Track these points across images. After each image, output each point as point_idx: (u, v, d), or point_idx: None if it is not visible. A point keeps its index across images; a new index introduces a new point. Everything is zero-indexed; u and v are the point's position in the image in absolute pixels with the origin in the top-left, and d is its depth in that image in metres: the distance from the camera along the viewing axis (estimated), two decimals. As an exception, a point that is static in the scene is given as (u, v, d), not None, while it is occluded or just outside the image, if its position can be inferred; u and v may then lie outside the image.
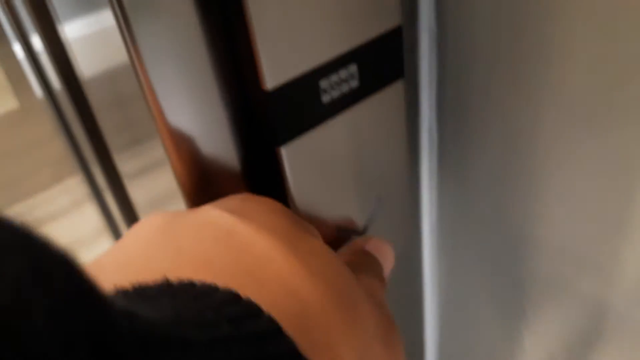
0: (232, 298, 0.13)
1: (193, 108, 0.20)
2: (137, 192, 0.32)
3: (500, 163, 0.28)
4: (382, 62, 0.23)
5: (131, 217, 0.35)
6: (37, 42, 0.28)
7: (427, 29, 0.27)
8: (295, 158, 0.22)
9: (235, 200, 0.20)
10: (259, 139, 0.22)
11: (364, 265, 0.24)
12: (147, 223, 0.18)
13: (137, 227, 0.18)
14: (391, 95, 0.24)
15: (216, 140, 0.21)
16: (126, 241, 0.18)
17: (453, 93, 0.28)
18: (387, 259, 0.26)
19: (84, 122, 0.30)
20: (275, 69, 0.20)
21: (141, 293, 0.13)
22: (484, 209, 0.30)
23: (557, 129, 0.24)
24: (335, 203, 0.25)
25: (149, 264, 0.15)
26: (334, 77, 0.22)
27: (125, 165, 0.30)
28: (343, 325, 0.17)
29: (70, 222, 1.25)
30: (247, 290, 0.14)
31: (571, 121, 0.23)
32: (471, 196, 0.31)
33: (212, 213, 0.18)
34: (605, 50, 0.20)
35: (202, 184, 0.22)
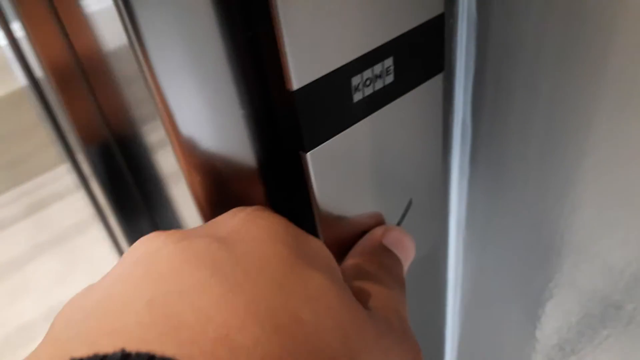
0: None
1: (202, 102, 0.18)
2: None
3: (539, 163, 0.25)
4: (420, 55, 0.20)
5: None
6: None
7: (465, 15, 0.24)
8: (322, 162, 0.20)
9: (235, 220, 0.18)
10: (280, 140, 0.20)
11: (383, 270, 0.22)
12: (136, 253, 0.17)
13: (126, 259, 0.17)
14: (428, 91, 0.22)
15: (228, 138, 0.19)
16: (113, 275, 0.16)
17: (492, 85, 0.25)
18: (408, 255, 0.24)
19: (67, 111, 0.28)
20: (303, 67, 0.17)
21: None
22: (516, 210, 0.28)
23: (610, 126, 0.21)
24: (363, 206, 0.23)
25: (119, 312, 0.14)
26: (367, 73, 0.19)
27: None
28: None
29: (77, 200, 1.24)
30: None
31: (628, 117, 0.20)
32: (503, 196, 0.29)
33: (202, 245, 0.16)
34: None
35: (212, 182, 0.20)
